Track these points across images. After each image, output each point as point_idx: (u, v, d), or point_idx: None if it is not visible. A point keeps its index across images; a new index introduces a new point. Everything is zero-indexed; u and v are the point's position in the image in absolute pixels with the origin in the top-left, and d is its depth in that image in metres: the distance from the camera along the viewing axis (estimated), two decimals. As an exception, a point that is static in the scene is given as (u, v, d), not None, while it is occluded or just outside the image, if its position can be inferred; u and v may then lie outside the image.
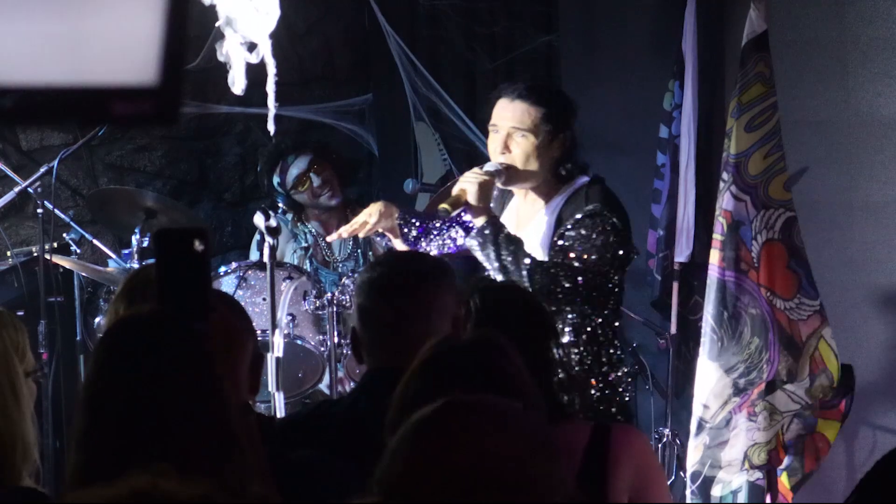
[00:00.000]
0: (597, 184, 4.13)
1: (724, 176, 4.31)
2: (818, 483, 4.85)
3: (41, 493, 2.78)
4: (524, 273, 3.96)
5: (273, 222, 4.49)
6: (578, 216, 4.01)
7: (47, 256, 5.44)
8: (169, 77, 1.53)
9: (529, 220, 4.16)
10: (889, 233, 5.09)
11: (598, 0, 6.12)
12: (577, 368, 4.02)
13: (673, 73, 5.46)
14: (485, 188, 4.05)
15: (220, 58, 3.51)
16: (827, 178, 5.10)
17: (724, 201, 4.28)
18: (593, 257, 3.96)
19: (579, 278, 3.96)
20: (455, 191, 4.07)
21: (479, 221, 4.06)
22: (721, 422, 4.27)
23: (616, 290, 4.04)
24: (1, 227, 6.03)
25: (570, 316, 4.00)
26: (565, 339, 3.99)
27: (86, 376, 2.16)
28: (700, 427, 4.25)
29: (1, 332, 2.77)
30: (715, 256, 4.30)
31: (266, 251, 4.42)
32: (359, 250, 5.70)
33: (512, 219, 4.20)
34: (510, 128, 4.11)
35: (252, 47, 3.52)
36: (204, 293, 2.28)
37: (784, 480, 4.39)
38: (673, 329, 5.45)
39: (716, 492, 4.32)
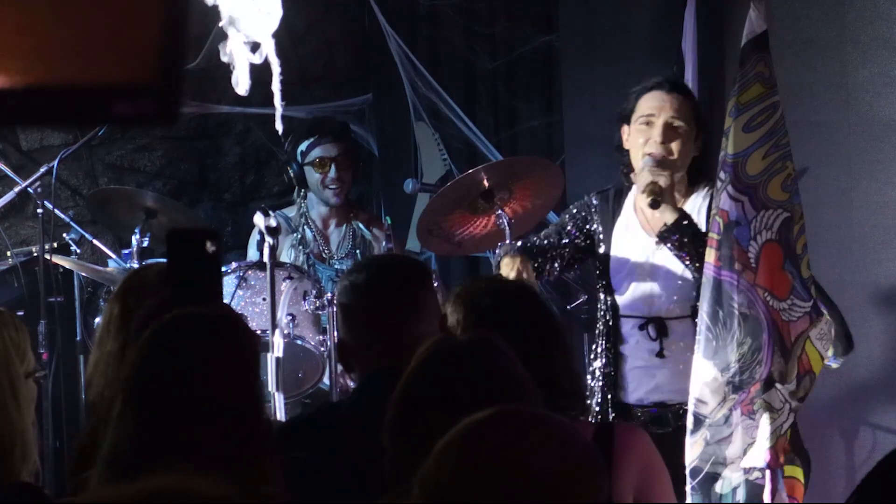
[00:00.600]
0: None
1: (721, 175, 4.31)
2: (818, 483, 4.85)
3: (38, 490, 2.79)
4: None
5: (273, 222, 4.49)
6: None
7: (47, 256, 5.45)
8: (169, 77, 1.53)
9: (663, 219, 4.14)
10: (889, 233, 5.08)
11: (598, 0, 6.12)
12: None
13: (673, 73, 5.46)
14: (673, 179, 4.03)
15: (224, 58, 3.52)
16: (827, 178, 5.10)
17: (721, 201, 4.28)
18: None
19: None
20: (645, 183, 4.01)
21: (671, 215, 4.03)
22: (720, 419, 4.26)
23: None
24: (1, 227, 6.03)
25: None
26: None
27: (130, 363, 2.16)
28: (699, 423, 4.25)
29: (2, 332, 2.77)
30: (711, 255, 4.30)
31: (266, 251, 4.42)
32: (357, 250, 5.70)
33: (630, 215, 4.19)
34: (669, 118, 4.09)
35: (255, 47, 3.52)
36: (215, 294, 2.29)
37: (797, 474, 4.39)
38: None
39: (717, 489, 4.32)
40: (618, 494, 2.72)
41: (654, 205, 4.00)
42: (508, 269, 4.13)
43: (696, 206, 4.18)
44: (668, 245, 4.03)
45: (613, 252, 4.23)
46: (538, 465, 1.82)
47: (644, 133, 4.11)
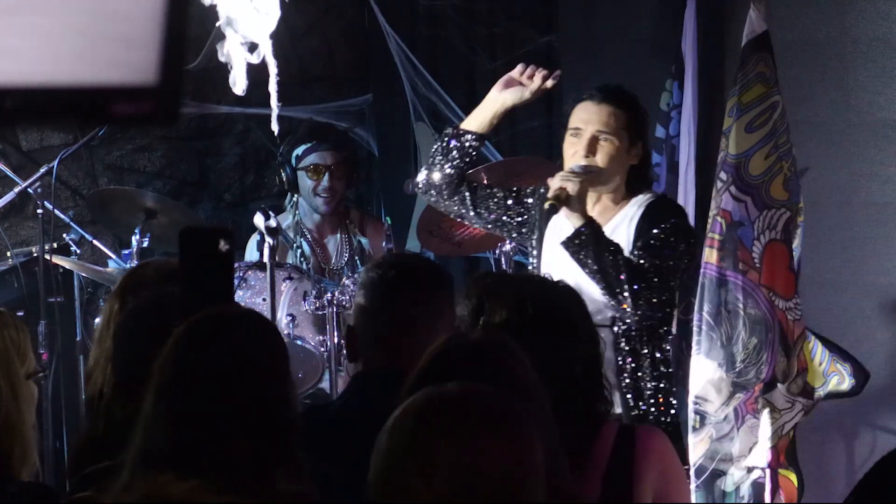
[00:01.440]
0: (667, 198, 4.12)
1: (723, 176, 4.31)
2: (818, 483, 4.85)
3: (53, 491, 2.79)
4: (622, 277, 3.90)
5: (273, 223, 4.49)
6: (664, 226, 3.97)
7: (47, 256, 5.44)
8: (169, 77, 1.53)
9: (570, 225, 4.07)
10: (889, 233, 5.08)
11: (598, 0, 6.12)
12: (647, 380, 3.98)
13: (671, 73, 5.46)
14: (585, 188, 3.99)
15: (222, 58, 3.52)
16: (827, 178, 5.10)
17: (723, 201, 4.28)
18: (670, 266, 3.94)
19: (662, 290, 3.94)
20: (554, 189, 3.97)
21: (577, 222, 3.96)
22: (726, 417, 4.27)
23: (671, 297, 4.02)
24: (1, 228, 6.03)
25: (645, 326, 3.98)
26: (644, 350, 3.97)
27: (161, 362, 2.15)
28: (703, 421, 4.26)
29: (2, 333, 2.77)
30: (713, 256, 4.31)
31: (266, 251, 4.42)
32: (356, 258, 5.68)
33: (566, 226, 4.13)
34: (596, 131, 4.06)
35: (253, 47, 3.52)
36: (227, 293, 2.29)
37: (792, 478, 4.40)
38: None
39: (722, 486, 4.33)
40: (638, 495, 2.73)
41: (552, 209, 3.97)
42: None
43: (628, 214, 4.08)
44: (568, 252, 3.97)
45: (546, 242, 4.17)
46: (468, 452, 1.87)
47: (573, 145, 4.09)
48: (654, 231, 3.98)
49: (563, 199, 3.96)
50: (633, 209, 4.09)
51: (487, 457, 1.87)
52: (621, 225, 4.07)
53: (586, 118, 4.09)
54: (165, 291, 2.69)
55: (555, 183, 4.00)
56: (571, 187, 3.96)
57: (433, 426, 1.90)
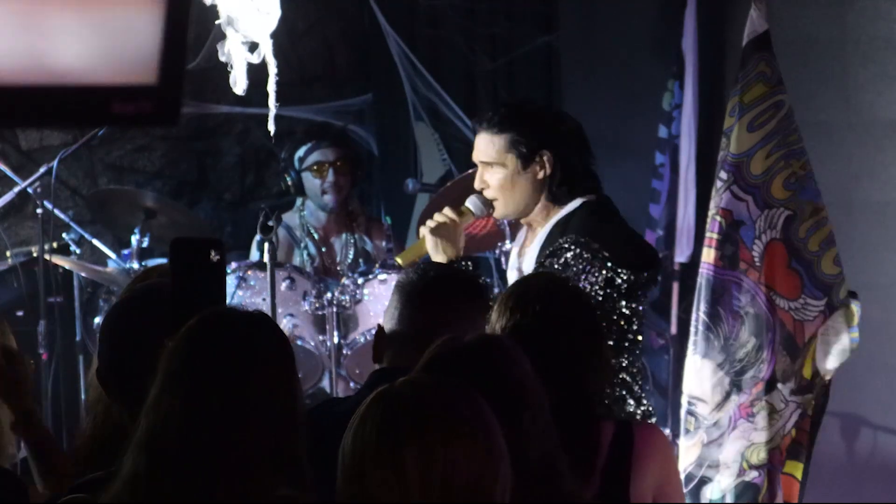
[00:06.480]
0: (584, 208, 3.88)
1: (723, 175, 4.30)
2: (818, 483, 4.85)
3: (19, 480, 2.76)
4: None
5: (270, 222, 4.49)
6: (562, 244, 3.78)
7: (47, 257, 5.44)
8: (169, 77, 1.53)
9: (527, 252, 3.99)
10: (889, 233, 5.08)
11: (598, 0, 6.12)
12: None
13: (672, 73, 5.46)
14: (444, 229, 3.96)
15: (222, 58, 3.51)
16: (827, 178, 5.09)
17: (723, 201, 4.27)
18: None
19: None
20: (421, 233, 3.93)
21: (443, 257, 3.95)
22: (720, 420, 4.27)
23: None
24: (1, 228, 6.03)
25: None
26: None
27: (170, 352, 2.14)
28: (697, 424, 4.25)
29: None
30: (711, 255, 4.30)
31: (266, 251, 4.42)
32: (360, 259, 5.67)
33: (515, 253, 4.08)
34: (479, 160, 3.99)
35: (253, 47, 3.52)
36: (221, 303, 2.28)
37: (796, 471, 4.39)
38: (673, 329, 5.45)
39: (707, 494, 4.31)
40: (638, 495, 2.72)
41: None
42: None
43: (543, 235, 3.91)
44: None
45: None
46: (429, 456, 1.94)
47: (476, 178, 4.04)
48: (549, 251, 3.82)
49: (436, 229, 3.96)
50: (547, 227, 3.92)
51: (452, 452, 1.90)
52: (536, 247, 3.91)
53: (475, 148, 4.01)
54: (142, 289, 2.67)
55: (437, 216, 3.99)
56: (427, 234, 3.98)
57: (397, 432, 1.95)
